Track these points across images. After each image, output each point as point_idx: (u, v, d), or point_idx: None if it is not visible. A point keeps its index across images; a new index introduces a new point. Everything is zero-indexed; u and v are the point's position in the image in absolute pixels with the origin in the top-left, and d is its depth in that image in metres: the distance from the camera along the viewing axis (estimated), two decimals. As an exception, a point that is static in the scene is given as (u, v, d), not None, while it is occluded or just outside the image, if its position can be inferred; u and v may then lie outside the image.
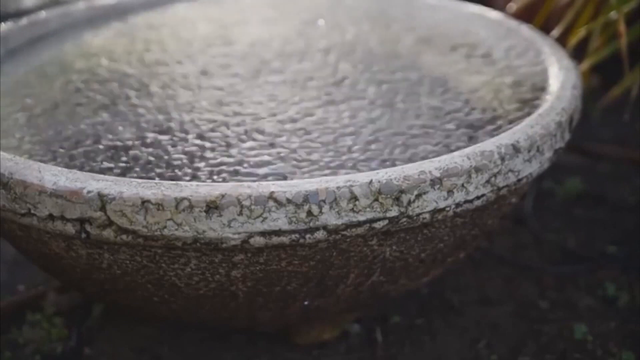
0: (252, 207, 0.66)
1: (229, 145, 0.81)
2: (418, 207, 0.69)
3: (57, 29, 1.08)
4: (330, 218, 0.67)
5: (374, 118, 0.86)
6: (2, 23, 1.04)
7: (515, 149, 0.74)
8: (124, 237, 0.68)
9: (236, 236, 0.67)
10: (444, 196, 0.70)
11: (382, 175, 0.68)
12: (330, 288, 0.76)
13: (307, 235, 0.68)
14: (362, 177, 0.68)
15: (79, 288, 0.87)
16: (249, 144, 0.81)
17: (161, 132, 0.84)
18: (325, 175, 0.75)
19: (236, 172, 0.77)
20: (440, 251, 0.78)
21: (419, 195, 0.69)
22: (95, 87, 0.94)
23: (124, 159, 0.79)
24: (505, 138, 0.74)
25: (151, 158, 0.79)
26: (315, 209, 0.67)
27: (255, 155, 0.79)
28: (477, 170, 0.71)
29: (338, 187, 0.67)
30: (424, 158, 0.76)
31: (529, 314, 0.95)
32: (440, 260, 0.80)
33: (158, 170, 0.77)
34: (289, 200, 0.66)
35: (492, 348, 0.90)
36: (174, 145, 0.81)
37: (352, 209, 0.67)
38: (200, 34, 1.09)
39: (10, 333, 0.92)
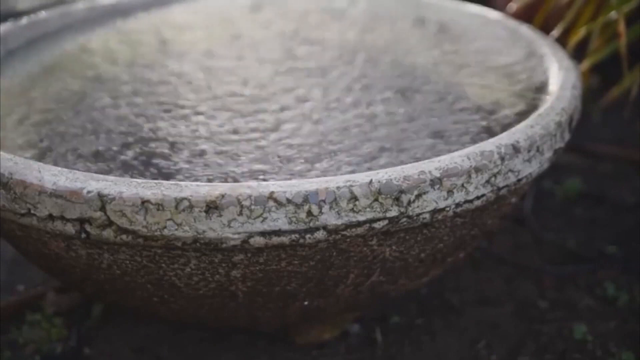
0: (252, 207, 0.66)
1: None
2: (418, 207, 0.69)
3: (57, 29, 1.08)
4: (330, 218, 0.67)
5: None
6: (2, 23, 1.04)
7: (515, 149, 0.74)
8: (123, 237, 0.67)
9: (236, 236, 0.67)
10: (443, 196, 0.70)
11: (382, 175, 0.68)
12: (330, 288, 0.76)
13: (307, 236, 0.67)
14: (362, 177, 0.68)
15: (79, 288, 0.86)
16: None
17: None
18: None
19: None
20: (440, 251, 0.77)
21: (419, 196, 0.69)
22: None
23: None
24: (505, 138, 0.74)
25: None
26: (315, 209, 0.66)
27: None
28: (477, 170, 0.71)
29: (338, 187, 0.67)
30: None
31: (529, 314, 0.95)
32: (440, 260, 0.80)
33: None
34: (289, 200, 0.66)
35: (492, 348, 0.90)
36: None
37: (352, 209, 0.67)
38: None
39: (10, 333, 0.92)
